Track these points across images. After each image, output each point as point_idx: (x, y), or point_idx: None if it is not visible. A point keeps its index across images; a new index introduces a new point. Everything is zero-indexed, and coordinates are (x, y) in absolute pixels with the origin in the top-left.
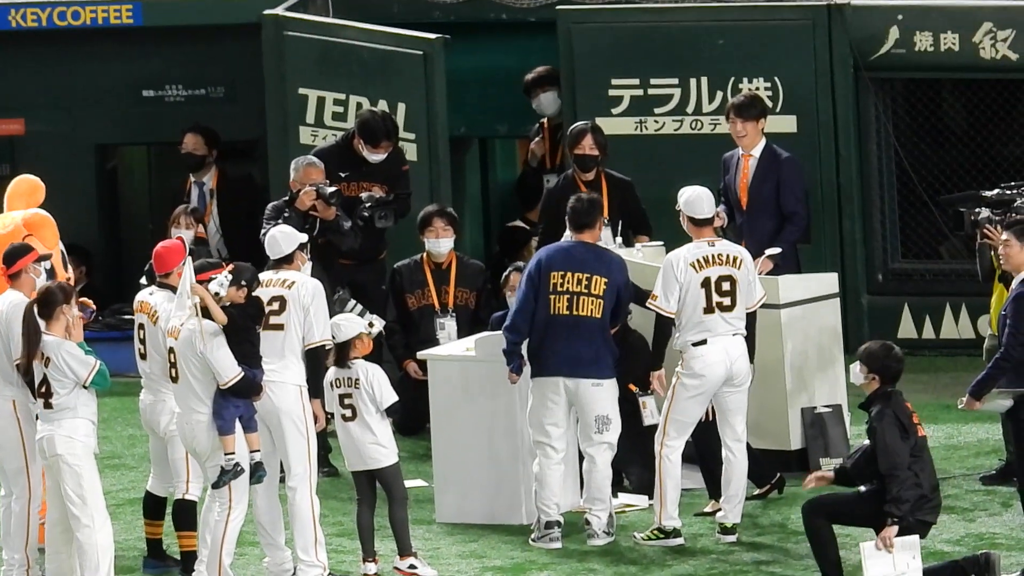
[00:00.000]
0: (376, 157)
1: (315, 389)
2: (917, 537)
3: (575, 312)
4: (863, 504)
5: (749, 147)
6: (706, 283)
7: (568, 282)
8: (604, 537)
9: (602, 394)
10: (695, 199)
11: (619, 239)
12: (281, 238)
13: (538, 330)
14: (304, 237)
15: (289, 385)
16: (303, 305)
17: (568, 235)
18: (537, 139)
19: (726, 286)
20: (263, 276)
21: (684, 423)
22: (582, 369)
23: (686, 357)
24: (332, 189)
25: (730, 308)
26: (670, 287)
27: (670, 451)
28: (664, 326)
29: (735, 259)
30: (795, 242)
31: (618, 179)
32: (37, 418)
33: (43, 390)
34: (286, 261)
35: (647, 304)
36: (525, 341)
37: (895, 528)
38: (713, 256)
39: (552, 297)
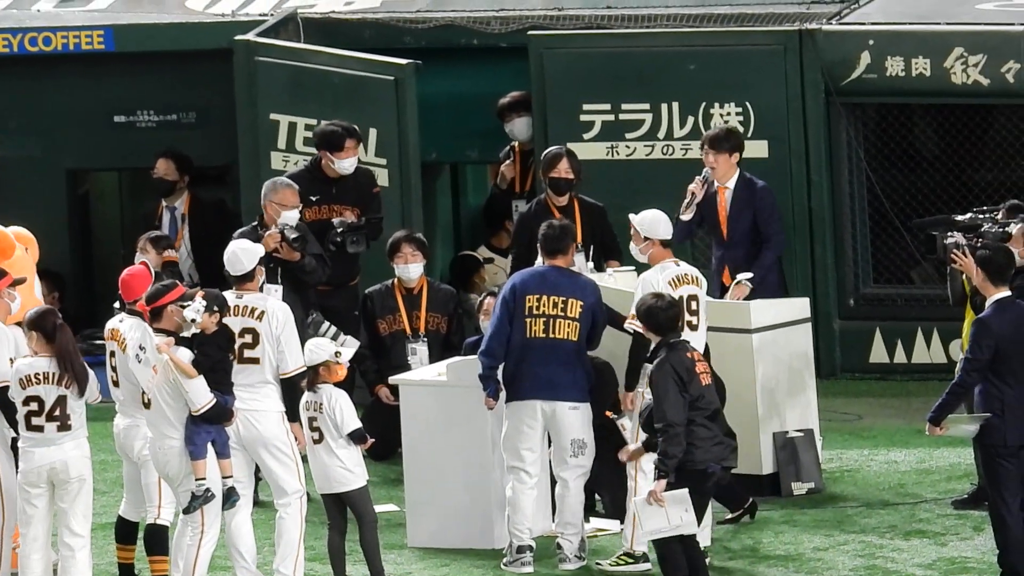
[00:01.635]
0: (347, 163)
1: (292, 414)
2: (687, 491)
3: (552, 335)
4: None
5: (722, 179)
6: (681, 301)
7: (544, 305)
8: (576, 561)
9: (579, 418)
10: (657, 220)
11: (591, 264)
12: (242, 254)
13: (514, 354)
14: (262, 250)
15: (271, 413)
16: (275, 336)
17: (540, 260)
18: (508, 162)
19: (694, 305)
20: (229, 300)
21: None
22: (559, 392)
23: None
24: (296, 235)
25: (696, 328)
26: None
27: (644, 474)
28: (643, 347)
29: (698, 279)
30: (772, 263)
31: (591, 204)
32: (16, 442)
33: (57, 412)
34: (247, 279)
35: (627, 325)
36: (501, 366)
37: (663, 482)
38: (683, 275)
39: (528, 320)
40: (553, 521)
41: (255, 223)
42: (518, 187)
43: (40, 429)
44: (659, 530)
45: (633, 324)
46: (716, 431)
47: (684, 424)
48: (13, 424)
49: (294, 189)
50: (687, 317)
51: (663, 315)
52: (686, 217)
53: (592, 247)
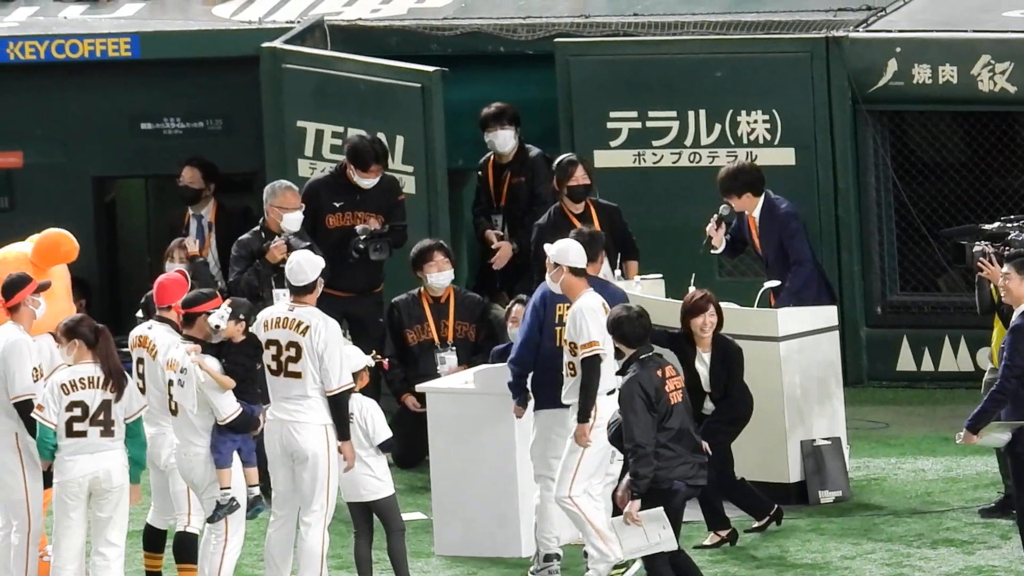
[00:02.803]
0: (367, 182)
1: (341, 432)
2: (662, 509)
3: None
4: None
5: (747, 210)
6: None
7: None
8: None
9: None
10: (568, 249)
11: (618, 271)
12: (307, 265)
13: (543, 362)
14: (323, 263)
15: (313, 425)
16: (317, 353)
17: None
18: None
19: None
20: (279, 311)
21: (590, 473)
22: None
23: (599, 404)
24: (305, 245)
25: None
26: (604, 330)
27: (577, 492)
28: (599, 374)
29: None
30: (799, 288)
31: (605, 206)
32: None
33: (101, 417)
34: (307, 290)
35: (586, 353)
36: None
37: (637, 503)
38: (606, 304)
39: (558, 329)
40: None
41: (257, 228)
42: (495, 202)
43: (83, 435)
44: (639, 549)
45: (595, 350)
46: (681, 451)
47: (653, 444)
48: (34, 435)
49: (294, 191)
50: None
51: (630, 325)
52: (717, 251)
53: (618, 253)
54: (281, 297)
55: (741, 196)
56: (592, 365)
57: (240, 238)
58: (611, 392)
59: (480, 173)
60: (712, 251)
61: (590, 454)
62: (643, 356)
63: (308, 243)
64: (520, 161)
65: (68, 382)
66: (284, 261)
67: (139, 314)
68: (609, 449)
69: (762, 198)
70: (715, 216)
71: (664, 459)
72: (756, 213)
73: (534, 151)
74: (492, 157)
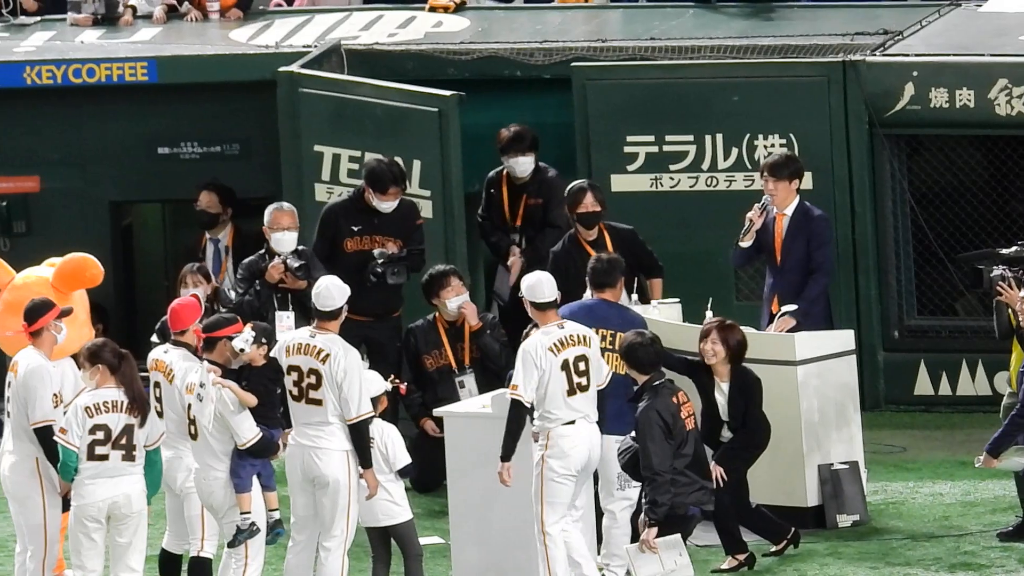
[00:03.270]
0: (386, 205)
1: (364, 460)
2: (679, 536)
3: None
4: None
5: (781, 206)
6: (565, 366)
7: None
8: None
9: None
10: (536, 284)
11: (635, 296)
12: (335, 291)
13: None
14: (349, 290)
15: (335, 451)
16: (336, 382)
17: (589, 293)
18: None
19: (582, 366)
20: (300, 336)
21: (559, 504)
22: (608, 425)
23: (552, 437)
24: (299, 263)
25: (587, 388)
26: (530, 375)
27: (552, 530)
28: (521, 416)
29: (585, 338)
30: (817, 295)
31: (619, 229)
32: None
33: (123, 441)
34: (333, 316)
35: (508, 394)
36: None
37: (654, 530)
38: (567, 338)
39: None
40: (599, 553)
41: (262, 251)
42: (508, 219)
43: (105, 458)
44: None
45: (515, 393)
46: (694, 477)
47: (671, 471)
48: (53, 460)
49: (285, 212)
50: (576, 380)
51: (643, 352)
52: (745, 244)
53: (635, 278)
54: (284, 319)
55: (791, 182)
56: (512, 408)
57: (244, 260)
58: (568, 423)
59: (492, 191)
60: (741, 244)
61: (549, 494)
62: (656, 383)
63: (303, 262)
64: (537, 183)
65: (92, 405)
66: (282, 281)
67: (154, 338)
68: (570, 493)
69: (797, 198)
70: (758, 204)
71: (680, 485)
72: (789, 211)
73: (551, 172)
74: (506, 174)
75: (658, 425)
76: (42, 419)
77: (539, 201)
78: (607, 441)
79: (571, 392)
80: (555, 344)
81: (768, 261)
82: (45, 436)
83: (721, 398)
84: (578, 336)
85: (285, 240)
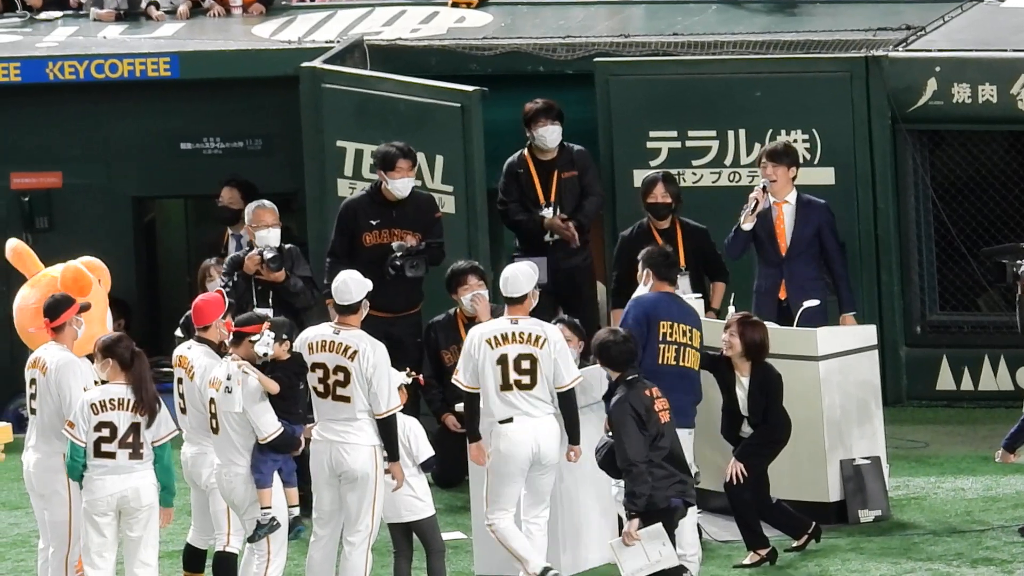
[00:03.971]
0: (399, 184)
1: (392, 453)
2: (660, 525)
3: (682, 363)
4: None
5: (779, 194)
6: (502, 360)
7: (675, 332)
8: None
9: (691, 442)
10: (512, 277)
11: (677, 290)
12: (352, 284)
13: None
14: (370, 284)
15: (363, 446)
16: (366, 378)
17: (645, 287)
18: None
19: (525, 364)
20: (323, 333)
21: (504, 497)
22: (684, 419)
23: (493, 435)
24: (273, 254)
25: (529, 387)
26: (466, 362)
27: (499, 521)
28: (471, 400)
29: (537, 338)
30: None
31: (693, 227)
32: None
33: (130, 440)
34: (352, 311)
35: (453, 379)
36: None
37: (636, 522)
38: (512, 334)
39: (661, 347)
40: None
41: (246, 249)
42: (541, 198)
43: (111, 456)
44: (640, 569)
45: (456, 378)
46: (672, 470)
47: (646, 462)
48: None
49: (267, 209)
50: (514, 376)
51: (616, 349)
52: (747, 226)
53: (695, 269)
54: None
55: (789, 169)
56: (464, 394)
57: (229, 256)
58: (505, 420)
59: (520, 171)
60: (743, 227)
61: (494, 487)
62: (629, 377)
63: (276, 253)
64: (566, 157)
65: (98, 402)
66: (259, 273)
67: (178, 333)
68: (515, 491)
69: (794, 189)
70: (760, 185)
71: (658, 478)
72: (790, 199)
73: (577, 147)
74: (531, 155)
75: (631, 417)
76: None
77: (573, 173)
78: (681, 434)
79: (505, 387)
80: (496, 337)
81: (766, 252)
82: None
83: (741, 393)
84: (530, 335)
85: (269, 238)
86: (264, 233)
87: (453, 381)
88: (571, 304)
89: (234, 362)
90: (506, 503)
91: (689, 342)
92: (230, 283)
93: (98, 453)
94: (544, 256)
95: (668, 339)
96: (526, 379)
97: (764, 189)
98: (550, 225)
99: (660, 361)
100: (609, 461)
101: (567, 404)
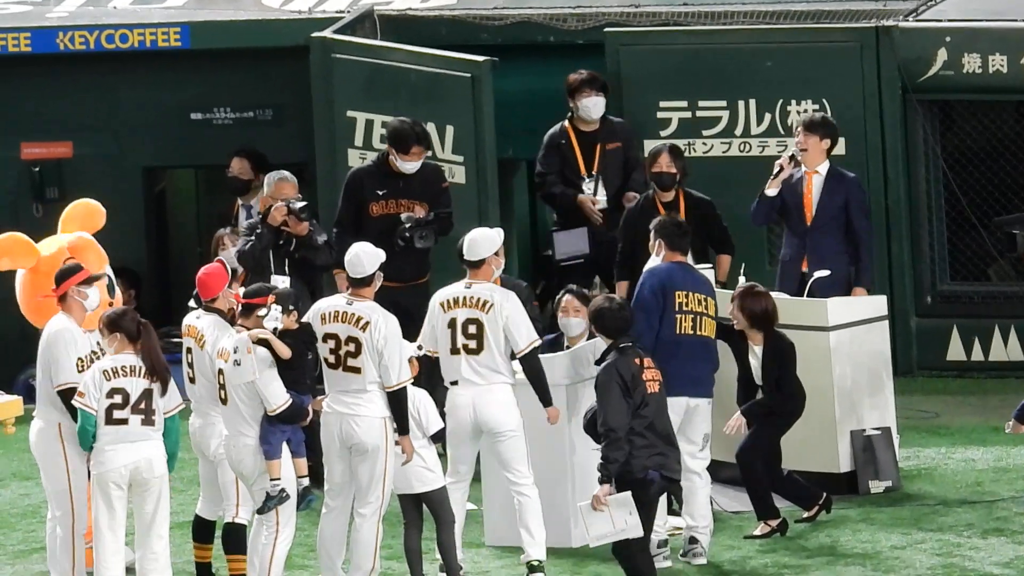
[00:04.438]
0: (409, 166)
1: (402, 427)
2: (629, 494)
3: (699, 332)
4: None
5: (811, 164)
6: (452, 324)
7: (691, 302)
8: (704, 558)
9: (711, 412)
10: (472, 243)
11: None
12: (364, 257)
13: (661, 350)
14: (383, 256)
15: (374, 418)
16: (377, 350)
17: (658, 254)
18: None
19: (472, 329)
20: (336, 303)
21: (455, 460)
22: (702, 389)
23: (447, 396)
24: (302, 204)
25: (476, 352)
26: (426, 325)
27: (452, 488)
28: (429, 361)
29: (484, 303)
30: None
31: (697, 198)
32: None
33: (142, 405)
34: (365, 283)
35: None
36: None
37: (607, 487)
38: (464, 298)
39: (678, 317)
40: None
41: (263, 214)
42: (583, 170)
43: (124, 422)
44: (605, 535)
45: (418, 342)
46: (654, 440)
47: (626, 430)
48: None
49: (288, 182)
50: (462, 341)
51: (611, 316)
52: (771, 192)
53: (699, 242)
54: (280, 283)
55: (822, 140)
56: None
57: (247, 221)
58: (452, 383)
59: (563, 142)
60: (767, 192)
61: (450, 449)
62: (622, 345)
63: (306, 203)
64: (608, 129)
65: (110, 368)
66: (285, 224)
67: (191, 303)
68: (467, 455)
69: (827, 161)
70: (790, 153)
71: (637, 447)
72: (821, 169)
73: (618, 119)
74: (572, 127)
75: (616, 383)
76: (64, 382)
77: (617, 144)
78: (702, 404)
79: (453, 351)
80: (448, 300)
81: (793, 221)
82: (68, 398)
83: (755, 362)
84: (479, 300)
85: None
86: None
87: (416, 345)
88: (611, 273)
89: (242, 333)
90: (458, 466)
91: (705, 311)
92: (254, 236)
93: (110, 420)
94: (584, 226)
95: (684, 309)
96: (473, 343)
97: (792, 157)
98: (581, 203)
99: (678, 331)
100: (593, 425)
101: (529, 368)
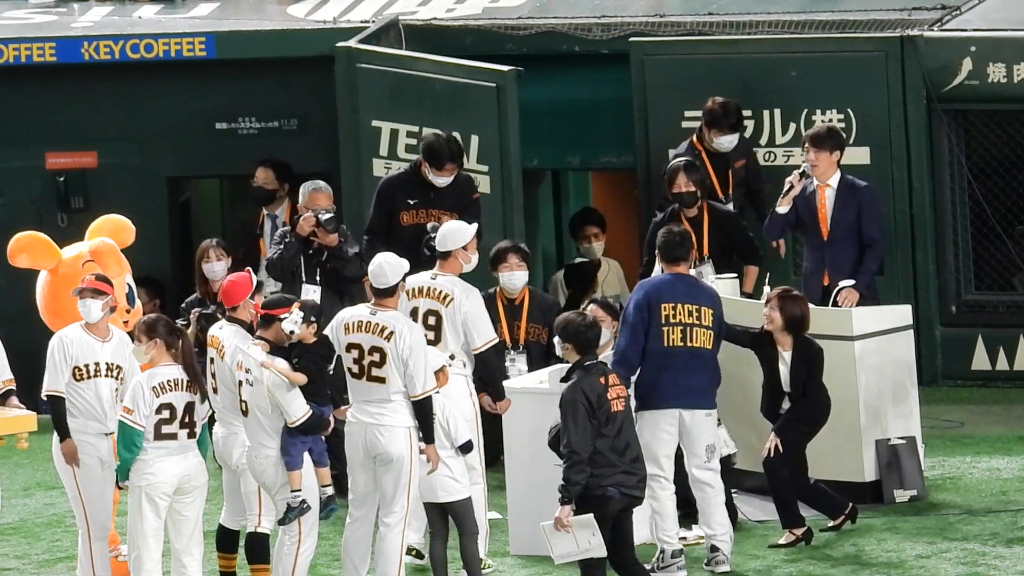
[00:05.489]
0: (442, 181)
1: (427, 435)
2: (591, 516)
3: (690, 344)
4: None
5: (823, 177)
6: (414, 313)
7: (680, 313)
8: (727, 564)
9: (711, 423)
10: (442, 234)
11: (694, 271)
12: (388, 268)
13: (651, 363)
14: (407, 266)
15: (398, 428)
16: (402, 359)
17: (659, 267)
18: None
19: (431, 320)
20: (360, 313)
21: None
22: (698, 400)
23: None
24: (328, 216)
25: (433, 343)
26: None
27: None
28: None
29: (445, 297)
30: (875, 271)
31: (721, 212)
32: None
33: (187, 419)
34: (389, 293)
35: None
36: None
37: (568, 508)
38: (424, 289)
39: (665, 329)
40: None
41: (297, 218)
42: (719, 191)
43: (173, 437)
44: (568, 554)
45: None
46: (616, 460)
47: (589, 452)
48: (60, 430)
49: (322, 192)
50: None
51: (583, 333)
52: (782, 210)
53: (724, 255)
54: (310, 292)
55: (832, 153)
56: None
57: (280, 230)
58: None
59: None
60: (778, 210)
61: None
62: (588, 363)
63: (332, 214)
64: (737, 148)
65: (158, 384)
66: (313, 234)
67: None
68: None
69: (838, 172)
70: (799, 170)
71: (599, 466)
72: (832, 182)
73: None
74: (702, 147)
75: (582, 404)
76: (48, 389)
77: (743, 162)
78: (698, 416)
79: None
80: (412, 289)
81: (809, 234)
82: (51, 406)
83: (784, 368)
84: (438, 292)
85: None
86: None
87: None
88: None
89: (256, 346)
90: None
91: (697, 322)
92: (283, 245)
93: (159, 435)
94: None
95: (671, 321)
96: (431, 335)
97: (803, 173)
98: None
99: (666, 343)
100: (556, 443)
101: (485, 364)
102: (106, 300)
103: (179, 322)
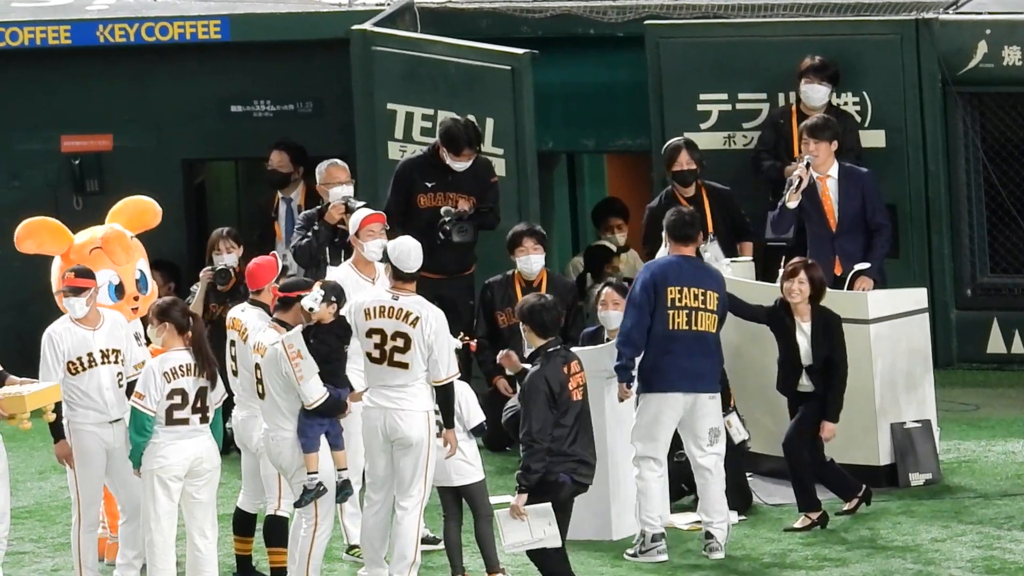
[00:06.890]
0: (460, 165)
1: (448, 420)
2: (549, 505)
3: (695, 327)
4: None
5: (821, 168)
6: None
7: (686, 297)
8: (722, 551)
9: (716, 407)
10: (406, 253)
11: (707, 253)
12: (415, 252)
13: (656, 345)
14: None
15: (417, 413)
16: (427, 344)
17: (665, 250)
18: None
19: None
20: (381, 298)
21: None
22: (702, 383)
23: None
24: (361, 204)
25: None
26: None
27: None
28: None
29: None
30: (885, 255)
31: (718, 190)
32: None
33: (199, 404)
34: (412, 278)
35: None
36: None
37: (524, 496)
38: (384, 308)
39: (670, 312)
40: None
41: (323, 204)
42: (797, 151)
43: (185, 422)
44: (522, 543)
45: None
46: (571, 449)
47: (548, 440)
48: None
49: (339, 167)
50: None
51: (547, 314)
52: (793, 204)
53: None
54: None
55: (830, 144)
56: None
57: (303, 212)
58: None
59: (783, 121)
60: (788, 205)
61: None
62: (551, 349)
63: (364, 203)
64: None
65: (169, 370)
66: (343, 222)
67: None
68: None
69: (835, 161)
70: (804, 161)
71: (553, 453)
72: (832, 172)
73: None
74: (796, 109)
75: (544, 392)
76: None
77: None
78: (702, 399)
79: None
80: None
81: (816, 226)
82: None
83: (803, 339)
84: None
85: (340, 194)
86: (338, 190)
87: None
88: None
89: (270, 333)
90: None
91: (703, 305)
92: (310, 233)
93: (170, 420)
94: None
95: (677, 304)
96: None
97: (808, 165)
98: (786, 173)
99: (671, 327)
100: (513, 424)
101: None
102: (89, 293)
103: (192, 289)
